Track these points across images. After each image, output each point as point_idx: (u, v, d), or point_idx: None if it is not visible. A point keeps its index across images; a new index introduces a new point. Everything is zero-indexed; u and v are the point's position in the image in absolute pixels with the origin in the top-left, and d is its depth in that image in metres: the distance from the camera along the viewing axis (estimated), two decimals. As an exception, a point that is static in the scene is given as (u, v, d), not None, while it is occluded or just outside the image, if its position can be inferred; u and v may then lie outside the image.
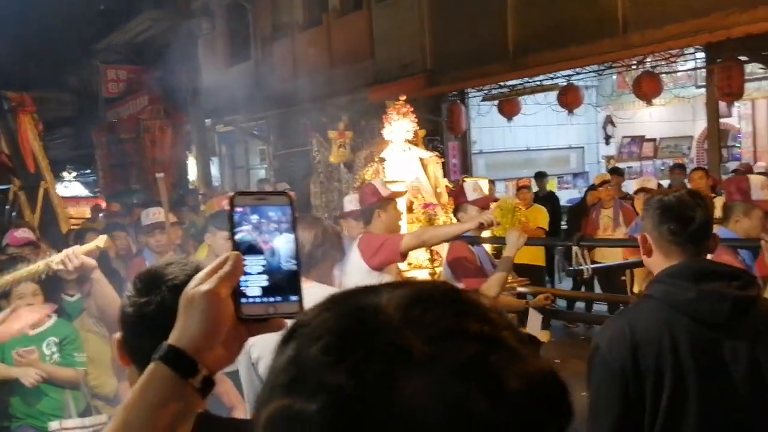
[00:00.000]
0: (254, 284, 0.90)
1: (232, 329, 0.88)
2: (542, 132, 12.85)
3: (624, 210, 7.90)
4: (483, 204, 4.29)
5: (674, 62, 9.17)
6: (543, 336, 8.09)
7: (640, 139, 13.36)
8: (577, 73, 9.87)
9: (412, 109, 6.84)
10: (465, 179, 6.83)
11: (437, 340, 0.54)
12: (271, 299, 0.90)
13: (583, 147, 13.52)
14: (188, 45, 15.24)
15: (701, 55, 8.95)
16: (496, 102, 11.08)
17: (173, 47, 14.53)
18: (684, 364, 1.76)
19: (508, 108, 10.77)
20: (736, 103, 10.41)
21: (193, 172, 16.86)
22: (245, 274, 0.89)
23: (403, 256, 4.17)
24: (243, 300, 0.89)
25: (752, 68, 9.46)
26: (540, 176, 9.70)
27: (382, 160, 6.70)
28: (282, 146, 15.01)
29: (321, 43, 13.36)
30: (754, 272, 3.37)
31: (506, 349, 0.55)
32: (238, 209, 0.90)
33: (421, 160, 6.97)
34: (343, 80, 12.55)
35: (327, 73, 13.01)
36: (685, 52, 8.79)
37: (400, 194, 4.67)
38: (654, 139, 13.36)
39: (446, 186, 6.99)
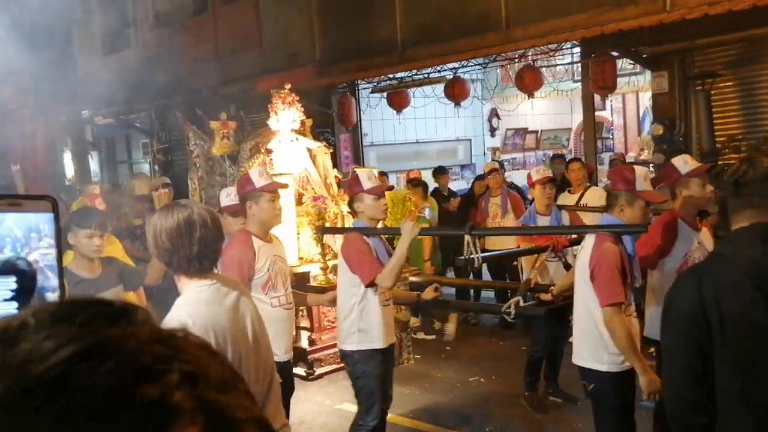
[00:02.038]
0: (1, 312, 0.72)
1: None
2: (431, 124, 13.08)
3: (511, 198, 8.16)
4: (378, 192, 4.17)
5: (553, 56, 9.60)
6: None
7: (523, 131, 13.90)
8: (463, 66, 10.12)
9: (298, 97, 6.71)
10: (356, 168, 6.81)
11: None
12: None
13: (470, 139, 13.84)
14: (60, 30, 14.37)
15: (578, 50, 9.42)
16: (385, 94, 11.18)
17: (42, 31, 13.67)
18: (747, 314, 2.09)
19: (398, 100, 10.89)
20: (609, 97, 11.06)
21: (69, 167, 15.98)
22: None
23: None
24: None
25: (623, 64, 10.08)
26: (440, 172, 9.48)
27: (269, 151, 6.48)
28: (166, 139, 14.50)
29: (206, 31, 13.00)
30: (635, 258, 3.62)
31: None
32: None
33: (310, 150, 6.78)
34: (230, 70, 12.28)
35: (213, 63, 12.68)
36: (563, 47, 9.23)
37: (280, 186, 4.41)
38: (536, 131, 13.93)
39: (336, 177, 6.85)
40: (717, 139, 7.88)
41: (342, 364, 6.24)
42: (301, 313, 6.47)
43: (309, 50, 11.29)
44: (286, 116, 6.57)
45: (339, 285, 4.27)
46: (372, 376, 4.13)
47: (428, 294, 4.45)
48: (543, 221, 5.67)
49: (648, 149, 10.68)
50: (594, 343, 3.51)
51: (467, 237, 3.99)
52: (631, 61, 9.38)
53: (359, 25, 10.45)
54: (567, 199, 7.46)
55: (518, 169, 13.33)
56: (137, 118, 15.03)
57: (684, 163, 4.07)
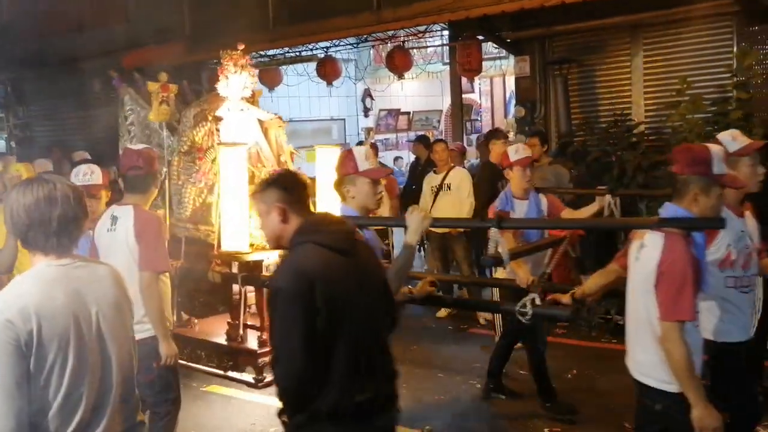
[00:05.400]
0: None
1: None
2: (305, 103, 13.01)
3: (389, 182, 8.15)
4: (376, 176, 3.35)
5: (423, 38, 9.77)
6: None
7: (395, 112, 14.12)
8: (335, 46, 10.14)
9: (252, 61, 5.92)
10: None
11: None
12: None
13: (344, 119, 13.88)
14: None
15: (447, 33, 9.65)
16: (257, 71, 11.00)
17: None
18: None
19: (270, 78, 10.77)
20: (477, 80, 11.43)
21: None
22: None
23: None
24: None
25: (490, 48, 10.43)
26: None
27: (218, 118, 5.61)
28: (27, 113, 13.65)
29: (69, 0, 12.28)
30: (705, 259, 3.01)
31: None
32: None
33: (261, 122, 5.96)
34: (95, 42, 11.68)
35: (76, 35, 12.03)
36: (433, 29, 9.42)
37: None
38: (408, 113, 14.19)
39: (291, 152, 6.04)
40: (573, 121, 8.34)
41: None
42: (249, 309, 5.62)
43: (179, 25, 10.95)
44: (237, 81, 5.66)
45: None
46: None
47: (422, 288, 3.65)
48: (520, 206, 4.99)
49: (513, 131, 11.12)
50: (661, 360, 2.86)
51: (493, 230, 3.27)
52: (496, 45, 9.71)
53: (230, 2, 10.22)
54: (433, 179, 7.67)
55: (391, 149, 13.55)
56: (-9, 90, 14.02)
57: (732, 139, 3.46)
